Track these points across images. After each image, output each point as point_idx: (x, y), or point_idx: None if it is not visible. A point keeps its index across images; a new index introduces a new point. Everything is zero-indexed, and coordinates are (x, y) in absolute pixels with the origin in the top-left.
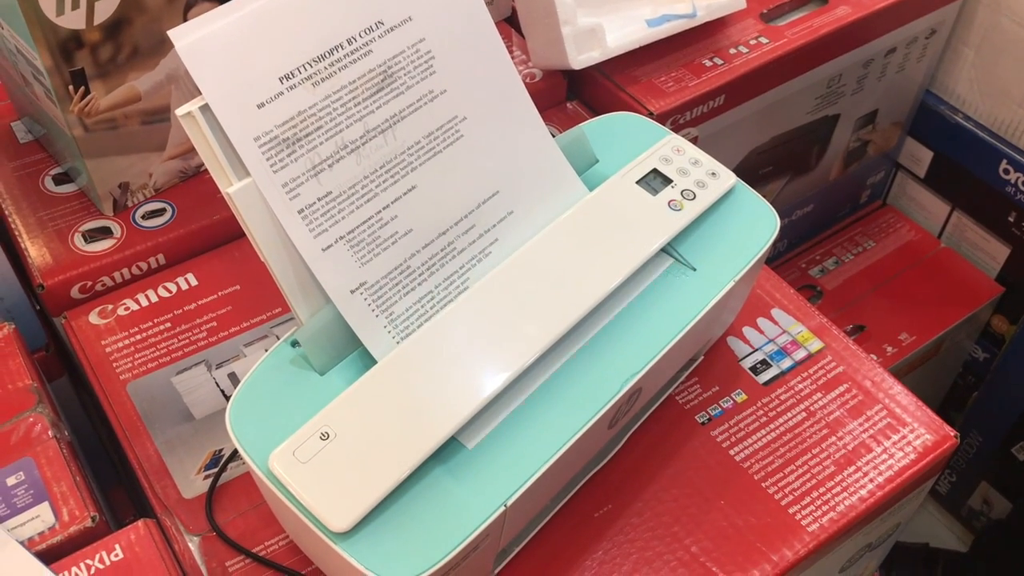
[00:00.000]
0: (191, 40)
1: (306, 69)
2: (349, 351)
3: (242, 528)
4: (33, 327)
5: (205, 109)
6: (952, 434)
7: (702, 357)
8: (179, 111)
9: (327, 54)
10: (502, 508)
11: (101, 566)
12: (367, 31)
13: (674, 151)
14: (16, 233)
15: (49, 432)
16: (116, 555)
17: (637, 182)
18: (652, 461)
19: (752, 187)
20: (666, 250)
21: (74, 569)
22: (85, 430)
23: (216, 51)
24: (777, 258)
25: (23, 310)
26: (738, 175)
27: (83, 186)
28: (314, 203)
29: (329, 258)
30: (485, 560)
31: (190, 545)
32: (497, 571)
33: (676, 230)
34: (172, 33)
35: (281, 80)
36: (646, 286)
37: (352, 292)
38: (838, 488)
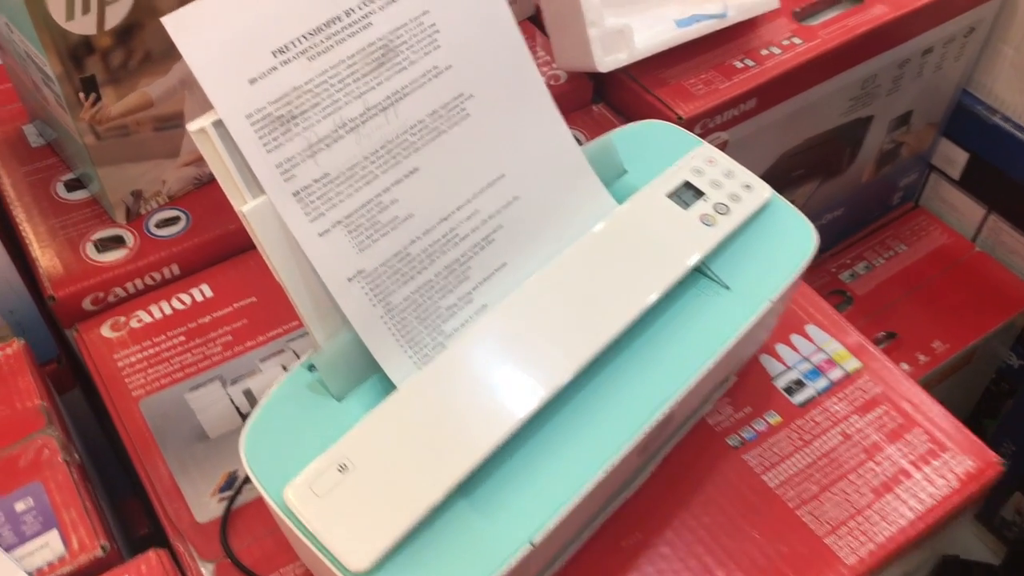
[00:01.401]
0: (178, 13)
1: (301, 42)
2: (367, 375)
3: (258, 555)
4: (44, 338)
5: (218, 124)
6: (996, 460)
7: (735, 377)
8: (190, 126)
9: (324, 27)
10: (529, 546)
11: None
12: (366, 2)
13: (707, 162)
14: (27, 242)
15: (59, 455)
16: None
17: (668, 195)
18: (682, 486)
19: (782, 191)
20: (699, 268)
21: None
22: (98, 442)
23: (205, 23)
24: None
25: (34, 321)
26: (768, 179)
27: (95, 193)
28: (310, 185)
29: (326, 244)
30: None
31: (204, 572)
32: None
33: (709, 247)
34: (166, 19)
35: (275, 54)
36: (677, 306)
37: (350, 280)
38: (877, 517)
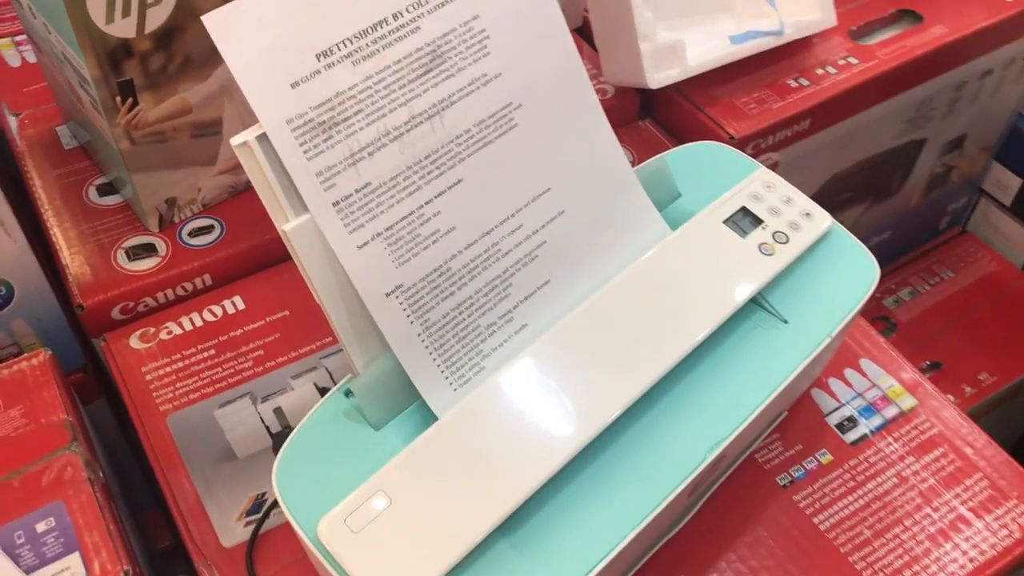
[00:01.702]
0: (220, 13)
1: (346, 46)
2: (406, 404)
3: None
4: (71, 347)
5: (262, 139)
6: None
7: (786, 412)
8: (234, 141)
9: (370, 30)
10: None
11: None
12: (415, 5)
13: (765, 187)
14: (57, 247)
15: (83, 473)
16: None
17: (724, 221)
18: (728, 526)
19: (831, 213)
20: (755, 299)
21: None
22: (121, 452)
23: (247, 24)
24: None
25: (61, 329)
26: (818, 201)
27: (128, 199)
28: (351, 195)
29: (364, 257)
30: None
31: None
32: None
33: (767, 277)
34: (206, 17)
35: (318, 57)
36: (732, 339)
37: (387, 296)
38: (934, 567)
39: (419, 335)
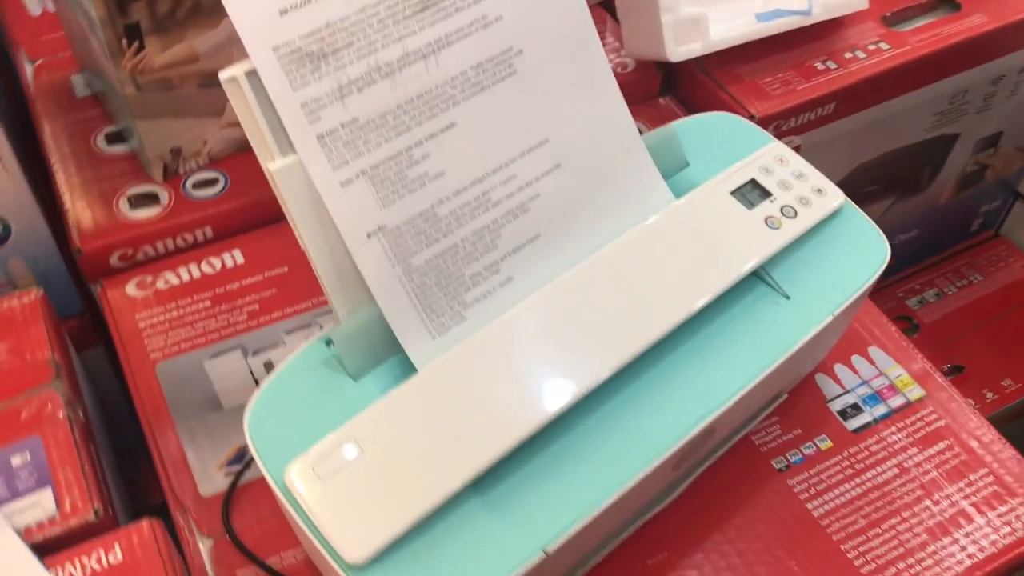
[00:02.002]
0: None
1: None
2: (387, 356)
3: (259, 535)
4: (68, 292)
5: (251, 75)
6: None
7: (786, 395)
8: (222, 74)
9: None
10: (542, 555)
11: (97, 567)
12: None
13: (777, 161)
14: (60, 191)
15: (62, 412)
16: (115, 556)
17: (732, 192)
18: (718, 507)
19: (856, 205)
20: (758, 273)
21: (68, 567)
22: (118, 404)
23: None
24: None
25: (58, 273)
26: (842, 191)
27: (135, 148)
28: (337, 129)
29: (348, 195)
30: None
31: (201, 548)
32: None
33: (772, 251)
34: None
35: None
36: (731, 312)
37: (369, 236)
38: (929, 561)
39: (400, 279)
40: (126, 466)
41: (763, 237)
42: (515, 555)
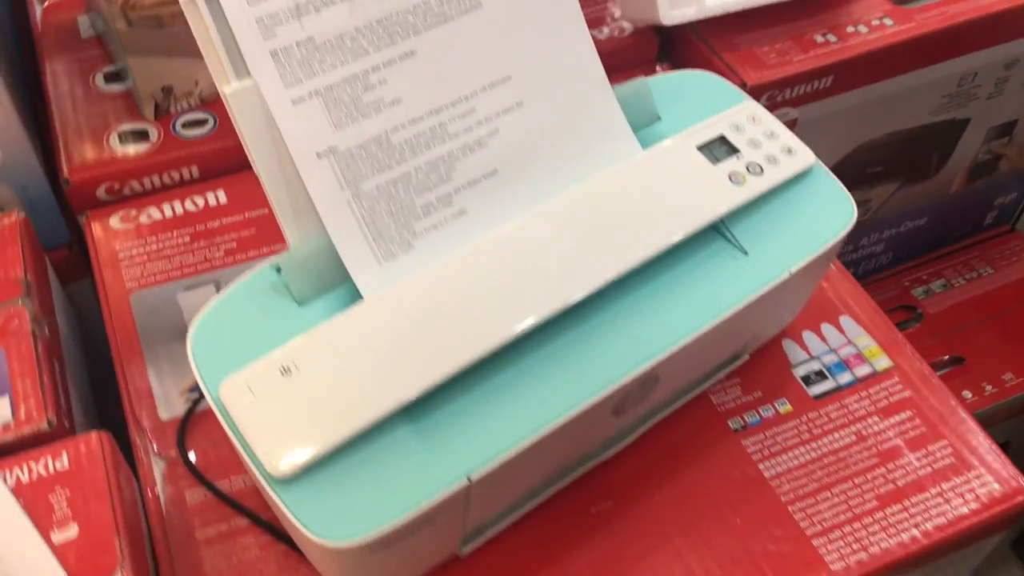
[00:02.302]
0: None
1: None
2: (335, 285)
3: (212, 459)
4: (56, 222)
5: None
6: None
7: (748, 356)
8: None
9: None
10: (465, 481)
11: (44, 472)
12: None
13: (749, 119)
14: (53, 124)
15: (28, 326)
16: (62, 463)
17: (699, 147)
18: (668, 461)
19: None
20: (717, 228)
21: (15, 470)
22: (101, 332)
23: None
24: (877, 271)
25: (46, 201)
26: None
27: (130, 87)
28: (291, 47)
29: (299, 113)
30: (449, 536)
31: (155, 468)
32: (467, 550)
33: (732, 206)
34: None
35: None
36: (686, 265)
37: (319, 156)
38: (876, 527)
39: (349, 202)
40: (110, 395)
41: (724, 192)
42: (439, 480)
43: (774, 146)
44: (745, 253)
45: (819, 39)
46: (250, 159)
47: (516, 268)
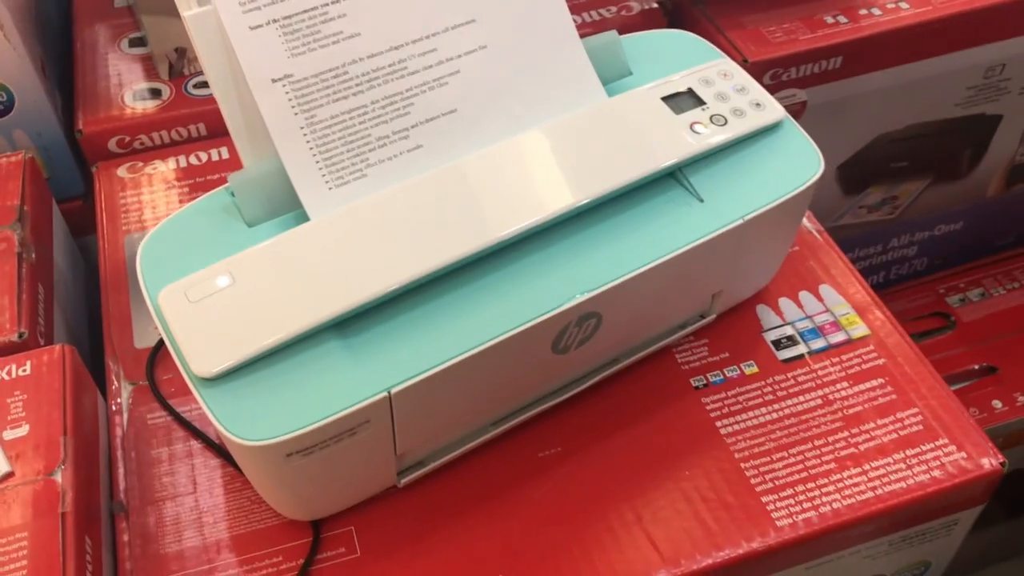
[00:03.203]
0: None
1: None
2: (285, 210)
3: (179, 386)
4: (71, 172)
5: None
6: (999, 462)
7: (714, 315)
8: None
9: None
10: (385, 394)
11: (7, 377)
12: None
13: (720, 75)
14: (76, 80)
15: (15, 249)
16: (24, 371)
17: (663, 98)
18: (622, 414)
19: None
20: (675, 176)
21: None
22: None
23: None
24: (912, 277)
25: (60, 149)
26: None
27: (149, 51)
28: None
29: (256, 40)
30: (380, 461)
31: (123, 392)
32: (405, 481)
33: (689, 153)
34: None
35: None
36: (639, 209)
37: (274, 82)
38: (831, 488)
39: (302, 128)
40: None
41: (684, 140)
42: (360, 391)
43: (742, 100)
44: (701, 200)
45: (828, 19)
46: (208, 81)
47: (464, 199)
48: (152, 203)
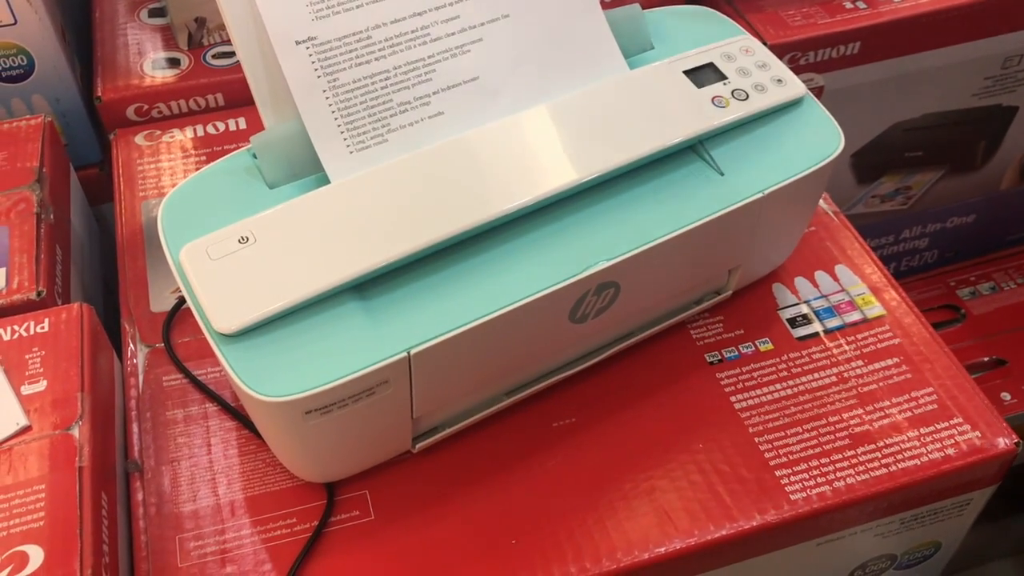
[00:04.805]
0: None
1: None
2: (306, 173)
3: (194, 350)
4: (89, 139)
5: None
6: (1013, 441)
7: (729, 292)
8: None
9: None
10: (404, 354)
11: (25, 333)
12: None
13: (742, 51)
14: (96, 49)
15: (33, 209)
16: (42, 327)
17: (686, 71)
18: (637, 387)
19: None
20: (696, 149)
21: (1, 331)
22: None
23: None
24: (923, 270)
25: (78, 115)
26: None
27: (170, 21)
28: None
29: (280, 1)
30: (397, 426)
31: (139, 354)
32: (420, 446)
33: (710, 127)
34: None
35: None
36: (660, 181)
37: (298, 44)
38: (844, 463)
39: (324, 91)
40: None
41: (706, 113)
42: (378, 352)
43: (764, 76)
44: (721, 174)
45: (848, 5)
46: (233, 43)
47: (484, 167)
48: (171, 170)
